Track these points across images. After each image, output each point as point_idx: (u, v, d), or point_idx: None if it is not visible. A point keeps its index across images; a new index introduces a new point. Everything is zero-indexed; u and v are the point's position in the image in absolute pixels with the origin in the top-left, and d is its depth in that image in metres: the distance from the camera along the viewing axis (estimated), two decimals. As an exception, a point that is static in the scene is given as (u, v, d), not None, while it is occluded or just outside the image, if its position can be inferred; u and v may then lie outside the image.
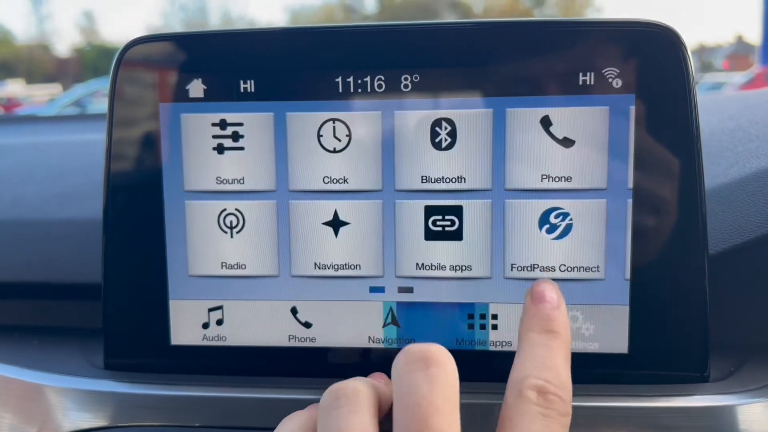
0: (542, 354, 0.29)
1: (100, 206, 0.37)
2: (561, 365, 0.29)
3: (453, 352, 0.35)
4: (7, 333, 0.45)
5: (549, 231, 0.35)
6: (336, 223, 0.36)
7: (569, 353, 0.29)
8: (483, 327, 0.36)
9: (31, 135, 0.76)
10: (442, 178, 0.35)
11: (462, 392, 0.34)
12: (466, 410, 0.33)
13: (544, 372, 0.28)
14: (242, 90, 0.35)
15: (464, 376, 0.35)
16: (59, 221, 0.47)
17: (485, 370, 0.36)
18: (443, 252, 0.35)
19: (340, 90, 0.35)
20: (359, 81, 0.35)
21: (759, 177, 0.39)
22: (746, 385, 0.34)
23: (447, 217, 0.35)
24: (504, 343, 0.36)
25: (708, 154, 0.43)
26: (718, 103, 0.53)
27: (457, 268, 0.35)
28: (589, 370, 0.35)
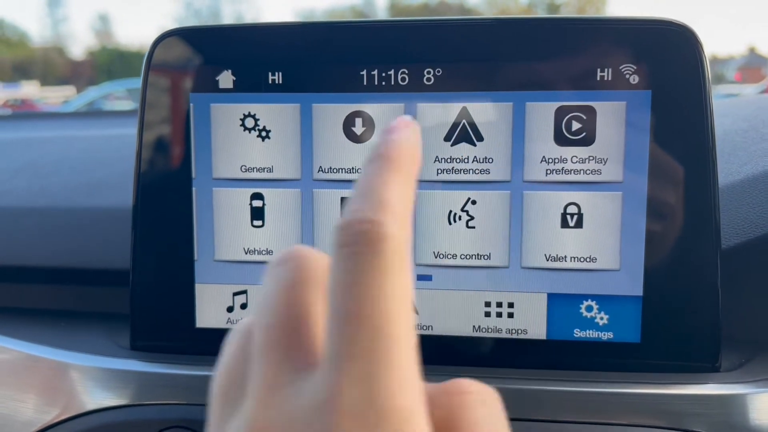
0: (363, 184, 0.20)
1: (125, 196, 0.39)
2: (381, 188, 0.19)
3: (469, 338, 0.36)
4: (37, 316, 0.46)
5: (565, 224, 0.36)
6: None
7: (404, 179, 0.20)
8: (499, 315, 0.37)
9: (54, 130, 0.78)
10: (463, 169, 0.36)
11: (479, 376, 0.35)
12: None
13: (358, 203, 0.19)
14: (270, 82, 0.37)
15: (481, 362, 0.37)
16: (86, 209, 0.49)
17: (501, 356, 0.37)
18: (462, 241, 0.36)
19: (365, 83, 0.36)
20: (383, 74, 0.36)
21: (771, 174, 0.40)
22: (756, 375, 0.35)
23: (466, 208, 0.36)
24: (519, 331, 0.37)
25: (722, 153, 0.44)
26: (732, 105, 0.54)
27: (475, 256, 0.36)
28: (603, 358, 0.36)
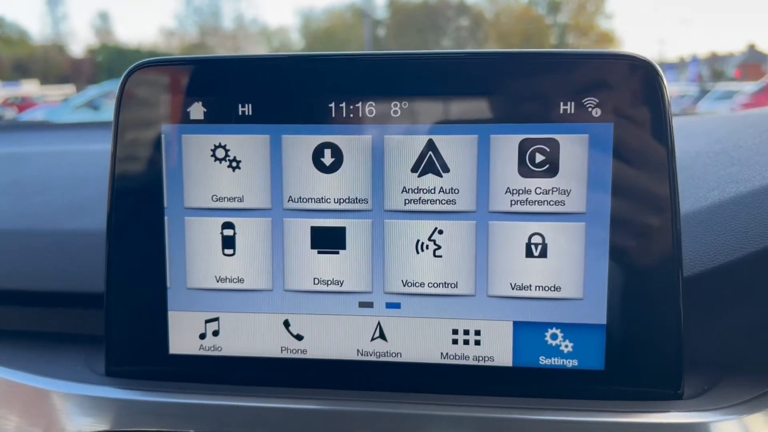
0: None
1: (102, 218, 0.39)
2: None
3: (437, 366, 0.37)
4: (14, 338, 0.47)
5: (530, 253, 0.36)
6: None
7: None
8: (467, 342, 0.37)
9: (46, 143, 0.78)
10: (430, 200, 0.37)
11: (446, 404, 0.36)
12: (450, 422, 0.35)
13: None
14: (240, 113, 0.37)
15: (448, 389, 0.37)
16: (67, 232, 0.49)
17: (468, 384, 0.37)
18: (429, 270, 0.37)
19: (333, 115, 0.37)
20: (351, 107, 0.36)
21: (736, 202, 0.40)
22: (719, 403, 0.35)
23: (433, 238, 0.37)
24: (486, 358, 0.37)
25: (692, 177, 0.45)
26: (707, 124, 0.55)
27: (443, 285, 0.37)
28: (568, 385, 0.37)
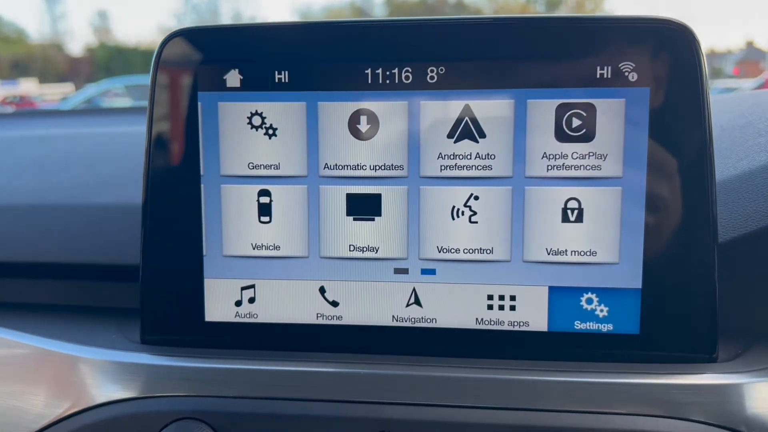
0: None
1: (132, 193, 0.40)
2: None
3: (472, 331, 0.37)
4: (48, 312, 0.47)
5: (566, 218, 0.37)
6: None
7: None
8: (501, 308, 0.38)
9: (59, 127, 0.78)
10: (465, 166, 0.37)
11: (482, 368, 0.36)
12: (486, 385, 0.36)
13: None
14: (277, 80, 0.37)
15: (484, 354, 0.37)
16: (95, 206, 0.50)
17: (504, 348, 0.37)
18: (465, 236, 0.37)
19: (369, 81, 0.37)
20: (387, 72, 0.37)
21: (766, 170, 0.40)
22: (752, 365, 0.36)
23: (468, 204, 0.37)
24: (521, 323, 0.37)
25: (719, 149, 0.45)
26: (730, 101, 0.55)
27: (478, 251, 0.37)
28: (603, 349, 0.37)
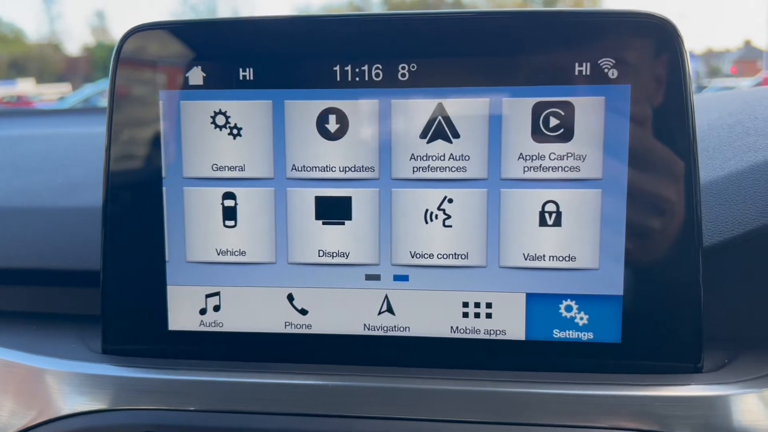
0: None
1: (98, 195, 0.38)
2: None
3: (447, 340, 0.36)
4: (8, 318, 0.45)
5: (544, 222, 0.35)
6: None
7: None
8: (477, 315, 0.36)
9: (40, 127, 0.77)
10: (439, 167, 0.35)
11: (456, 379, 0.35)
12: (461, 397, 0.34)
13: None
14: (241, 78, 0.36)
15: (459, 364, 0.36)
16: (63, 209, 0.48)
17: (480, 358, 0.36)
18: (439, 240, 0.36)
19: (338, 78, 0.35)
20: (357, 70, 0.35)
21: (754, 170, 0.39)
22: (739, 376, 0.34)
23: (442, 207, 0.36)
24: (498, 332, 0.36)
25: (706, 149, 0.43)
26: (718, 99, 0.54)
27: (452, 256, 0.36)
28: (583, 359, 0.35)
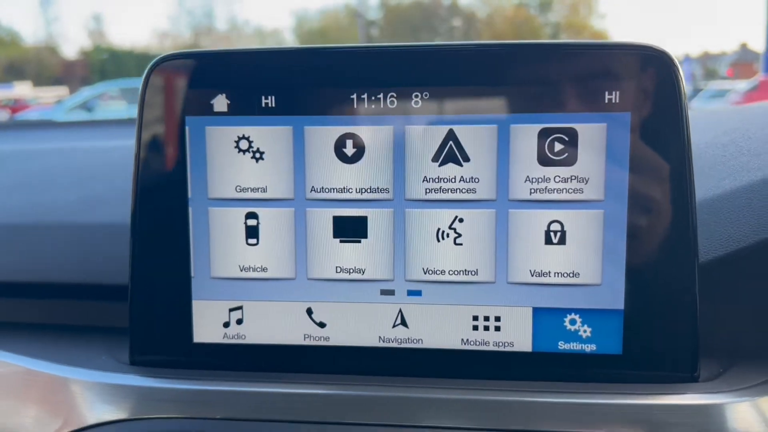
0: None
1: (122, 211, 0.40)
2: None
3: (458, 351, 0.38)
4: (37, 331, 0.47)
5: (549, 240, 0.37)
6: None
7: None
8: (487, 329, 0.38)
9: (50, 141, 0.79)
10: (450, 189, 0.37)
11: (467, 389, 0.37)
12: (472, 406, 0.36)
13: None
14: (263, 105, 0.38)
15: (469, 374, 0.38)
16: (84, 225, 0.50)
17: (489, 369, 0.38)
18: (450, 258, 0.38)
19: (355, 106, 0.37)
20: (373, 98, 0.37)
21: (748, 190, 0.41)
22: (734, 385, 0.36)
23: (453, 226, 0.38)
24: (506, 344, 0.38)
25: (702, 167, 0.45)
26: (714, 117, 0.56)
27: (463, 272, 0.38)
28: (586, 369, 0.38)
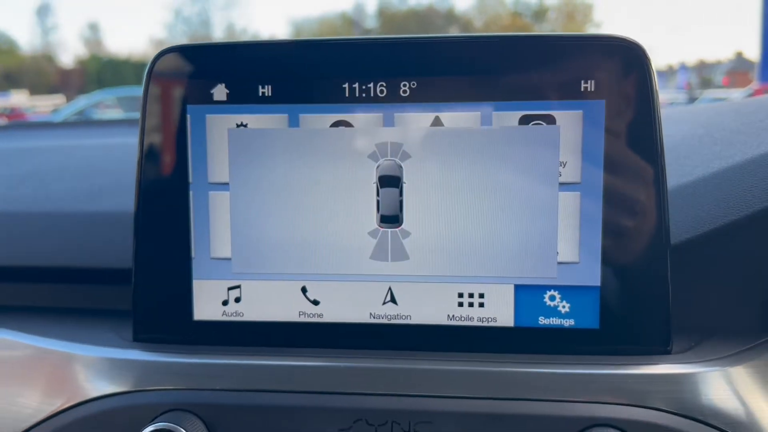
0: None
1: (125, 201, 0.42)
2: None
3: (445, 327, 0.40)
4: (45, 314, 0.49)
5: (530, 220, 0.39)
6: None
7: None
8: (471, 305, 0.40)
9: (54, 139, 0.81)
10: (436, 172, 0.40)
11: (453, 360, 0.39)
12: (456, 376, 0.38)
13: None
14: (260, 94, 0.40)
15: (455, 348, 0.40)
16: (89, 213, 0.52)
17: (474, 343, 0.40)
18: (437, 238, 0.40)
19: (347, 94, 0.40)
20: (363, 87, 0.40)
21: (718, 176, 0.43)
22: (704, 357, 0.39)
23: (440, 208, 0.40)
24: (489, 319, 0.40)
25: (678, 157, 0.48)
26: (690, 112, 0.58)
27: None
28: (566, 343, 0.40)
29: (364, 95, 0.40)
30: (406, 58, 0.39)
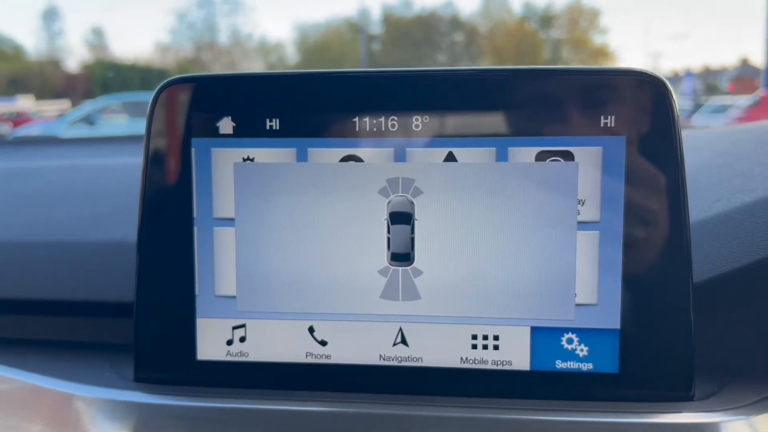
0: None
1: (129, 229, 0.41)
2: None
3: (457, 370, 0.39)
4: (42, 347, 0.48)
5: (547, 259, 0.38)
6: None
7: None
8: (485, 347, 0.39)
9: (59, 157, 0.80)
10: (449, 209, 0.38)
11: (466, 407, 0.37)
12: (471, 423, 0.37)
13: None
14: (268, 127, 0.39)
15: (468, 392, 0.39)
16: (91, 243, 0.51)
17: (488, 387, 0.39)
18: (449, 277, 0.39)
19: (357, 129, 0.38)
20: (374, 121, 0.38)
21: (741, 211, 0.42)
22: (729, 404, 0.37)
23: (453, 246, 0.38)
24: (504, 362, 0.39)
25: (696, 189, 0.46)
26: (708, 138, 0.57)
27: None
28: (583, 388, 0.38)
29: (374, 129, 0.38)
30: (418, 92, 0.38)
